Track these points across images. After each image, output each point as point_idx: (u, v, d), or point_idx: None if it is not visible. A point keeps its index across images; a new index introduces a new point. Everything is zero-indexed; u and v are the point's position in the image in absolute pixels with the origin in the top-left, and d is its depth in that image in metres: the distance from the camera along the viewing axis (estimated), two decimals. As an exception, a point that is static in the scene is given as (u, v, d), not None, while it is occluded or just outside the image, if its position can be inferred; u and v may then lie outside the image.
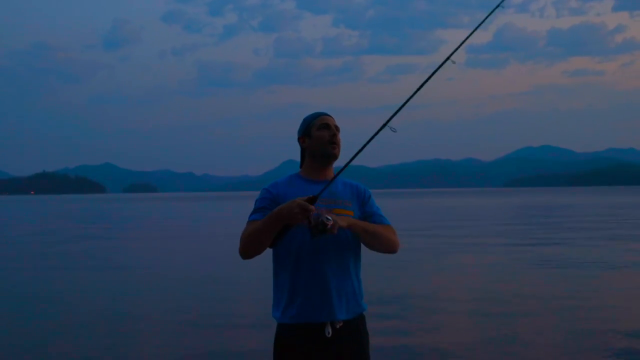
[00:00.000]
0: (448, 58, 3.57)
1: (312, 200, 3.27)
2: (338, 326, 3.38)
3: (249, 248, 3.38)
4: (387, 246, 3.53)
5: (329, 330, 3.35)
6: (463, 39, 3.65)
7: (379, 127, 3.40)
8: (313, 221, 3.22)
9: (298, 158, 3.71)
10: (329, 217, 3.22)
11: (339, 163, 3.59)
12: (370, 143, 3.37)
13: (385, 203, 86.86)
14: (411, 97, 3.50)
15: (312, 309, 3.36)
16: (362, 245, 3.53)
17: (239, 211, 59.86)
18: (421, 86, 3.51)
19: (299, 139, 3.65)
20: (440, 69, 3.55)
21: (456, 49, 3.61)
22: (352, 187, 3.64)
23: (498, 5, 3.74)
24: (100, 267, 18.14)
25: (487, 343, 8.59)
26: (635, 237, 25.30)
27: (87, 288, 14.22)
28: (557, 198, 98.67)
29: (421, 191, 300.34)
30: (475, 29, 3.63)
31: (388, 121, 3.42)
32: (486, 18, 3.66)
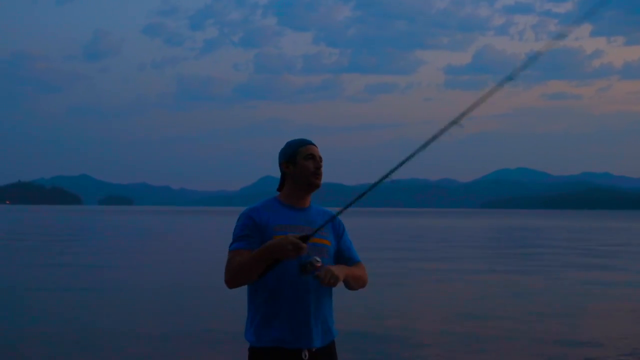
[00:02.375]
0: (455, 122, 3.61)
1: (304, 239, 3.33)
2: (314, 350, 3.48)
3: (237, 280, 3.43)
4: (362, 286, 3.71)
5: (305, 354, 3.45)
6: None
7: (377, 180, 3.50)
8: (303, 261, 3.36)
9: (275, 174, 3.78)
10: (318, 259, 3.36)
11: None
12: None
13: (359, 222, 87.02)
14: (412, 155, 3.45)
15: (292, 335, 3.44)
16: None
17: (218, 226, 59.63)
18: (425, 145, 3.51)
19: (281, 164, 3.69)
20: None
21: (463, 114, 3.64)
22: (327, 217, 3.65)
23: (509, 79, 3.41)
24: (73, 282, 18.32)
25: None
26: (591, 265, 25.74)
27: (61, 303, 14.42)
28: (531, 220, 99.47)
29: (397, 210, 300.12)
30: (478, 103, 3.57)
31: (388, 174, 3.51)
32: (493, 92, 3.46)
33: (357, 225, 69.24)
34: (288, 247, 3.28)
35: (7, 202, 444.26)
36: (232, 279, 3.44)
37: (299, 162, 3.64)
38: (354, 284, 3.62)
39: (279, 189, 3.73)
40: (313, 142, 3.74)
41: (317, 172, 3.65)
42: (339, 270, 3.44)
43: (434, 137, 3.55)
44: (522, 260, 25.25)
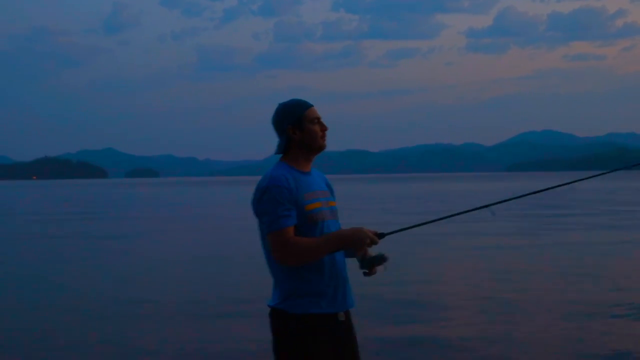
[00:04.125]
0: (486, 206, 3.85)
1: (379, 236, 3.54)
2: (348, 312, 3.65)
3: (302, 262, 3.47)
4: None
5: (342, 316, 3.60)
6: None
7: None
8: (374, 254, 3.55)
9: None
10: (387, 255, 3.55)
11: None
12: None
13: (385, 188, 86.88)
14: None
15: (334, 300, 3.56)
16: None
17: (246, 195, 59.75)
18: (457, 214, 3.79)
19: (287, 128, 3.66)
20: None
21: (495, 203, 3.85)
22: (323, 179, 3.81)
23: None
24: (103, 252, 18.53)
25: (487, 333, 8.97)
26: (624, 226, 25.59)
27: (92, 274, 14.61)
28: (557, 183, 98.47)
29: (422, 175, 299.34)
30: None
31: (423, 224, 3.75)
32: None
33: (379, 191, 69.14)
34: (366, 241, 3.45)
35: (34, 177, 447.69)
36: (294, 260, 3.46)
37: (306, 126, 3.65)
38: None
39: (282, 153, 3.70)
40: (311, 103, 3.75)
41: (324, 135, 3.70)
42: None
43: (465, 211, 3.84)
44: (553, 223, 25.11)
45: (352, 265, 3.67)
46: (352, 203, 43.37)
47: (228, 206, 46.01)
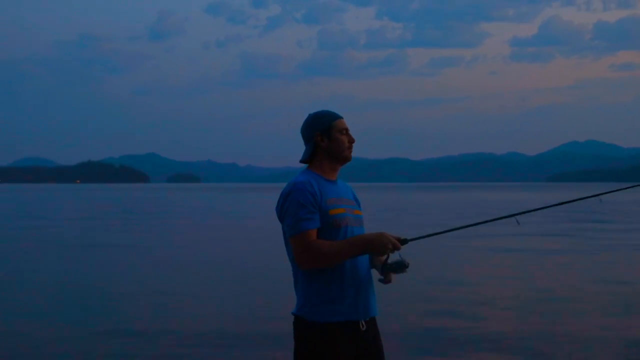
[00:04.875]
0: (512, 215, 3.94)
1: (402, 241, 3.52)
2: (369, 320, 3.60)
3: (323, 265, 3.47)
4: None
5: (363, 324, 3.56)
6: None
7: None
8: (394, 258, 3.54)
9: None
10: (408, 262, 3.55)
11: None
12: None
13: (426, 197, 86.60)
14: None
15: (355, 307, 3.53)
16: None
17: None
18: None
19: (315, 135, 3.70)
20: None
21: (519, 213, 3.94)
22: (350, 190, 3.82)
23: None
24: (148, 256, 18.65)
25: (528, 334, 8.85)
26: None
27: (135, 278, 14.67)
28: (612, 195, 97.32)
29: (464, 185, 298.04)
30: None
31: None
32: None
33: (415, 199, 68.91)
34: (388, 246, 3.45)
35: (77, 181, 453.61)
36: (316, 263, 3.48)
37: (334, 135, 3.69)
38: None
39: (307, 161, 3.75)
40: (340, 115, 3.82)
41: (350, 147, 3.74)
42: None
43: (489, 220, 3.88)
44: (596, 235, 24.78)
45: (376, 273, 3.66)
46: (383, 211, 43.24)
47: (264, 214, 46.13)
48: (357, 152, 3.83)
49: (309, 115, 3.79)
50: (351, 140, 3.74)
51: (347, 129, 3.74)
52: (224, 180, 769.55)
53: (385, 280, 3.67)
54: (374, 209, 45.02)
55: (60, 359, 7.78)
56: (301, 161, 3.77)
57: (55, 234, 26.60)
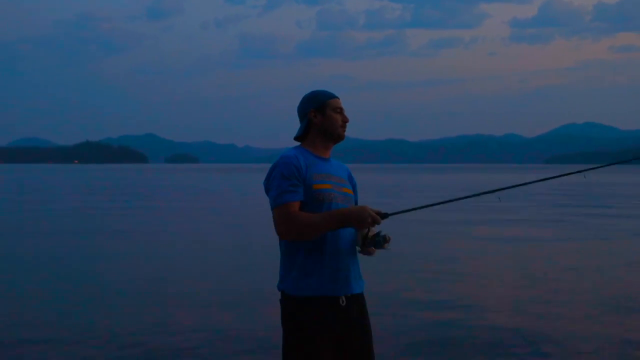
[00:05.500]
0: (492, 191, 4.03)
1: (382, 216, 3.54)
2: (349, 296, 3.61)
3: (301, 237, 3.51)
4: None
5: (343, 300, 3.58)
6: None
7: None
8: (374, 233, 3.58)
9: None
10: (389, 237, 3.58)
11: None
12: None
13: (424, 178, 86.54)
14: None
15: (331, 283, 3.55)
16: None
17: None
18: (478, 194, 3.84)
19: (309, 112, 3.76)
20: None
21: (499, 189, 3.98)
22: (345, 170, 3.87)
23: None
24: (141, 236, 18.68)
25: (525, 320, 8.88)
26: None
27: (126, 257, 14.74)
28: (599, 176, 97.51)
29: (460, 166, 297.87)
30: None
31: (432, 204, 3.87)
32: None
33: (419, 182, 68.87)
34: (367, 219, 3.47)
35: (76, 161, 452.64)
36: (296, 235, 3.52)
37: (328, 113, 3.75)
38: None
39: (300, 138, 3.81)
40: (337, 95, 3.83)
41: (344, 125, 3.78)
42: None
43: (469, 196, 3.93)
44: (591, 219, 24.83)
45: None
46: (371, 192, 43.28)
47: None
48: (354, 133, 3.89)
49: (306, 94, 3.85)
50: (345, 120, 3.79)
51: (341, 108, 3.79)
52: (222, 161, 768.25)
53: (366, 251, 3.69)
54: (370, 191, 45.01)
55: (50, 348, 7.80)
56: (295, 138, 3.83)
57: (51, 216, 26.58)
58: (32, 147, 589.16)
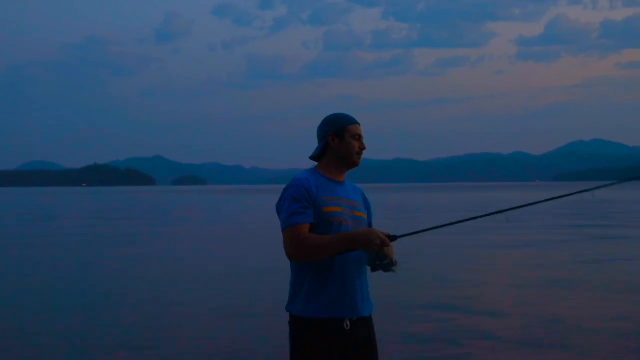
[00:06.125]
0: (501, 212, 3.98)
1: (391, 238, 3.55)
2: (355, 319, 3.60)
3: (310, 258, 3.53)
4: None
5: (347, 324, 3.57)
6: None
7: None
8: (382, 257, 3.53)
9: None
10: (396, 260, 3.57)
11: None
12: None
13: (432, 197, 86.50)
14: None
15: (338, 305, 3.56)
16: None
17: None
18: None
19: (328, 135, 3.78)
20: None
21: (508, 210, 3.94)
22: (359, 193, 3.89)
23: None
24: (150, 259, 18.66)
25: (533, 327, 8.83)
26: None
27: (134, 279, 14.70)
28: (608, 193, 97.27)
29: (469, 185, 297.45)
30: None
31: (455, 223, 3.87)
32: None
33: (425, 200, 68.80)
34: (376, 242, 3.47)
35: (84, 184, 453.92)
36: (304, 256, 3.53)
37: (346, 138, 3.76)
38: None
39: (316, 158, 3.84)
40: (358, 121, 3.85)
41: (360, 153, 3.79)
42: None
43: (478, 217, 3.92)
44: (600, 234, 24.71)
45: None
46: (384, 212, 43.20)
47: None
48: (363, 153, 3.83)
49: (328, 115, 3.87)
50: (362, 147, 3.80)
51: (360, 136, 3.81)
52: (229, 182, 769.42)
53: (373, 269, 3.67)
54: (378, 211, 44.98)
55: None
56: (311, 157, 3.86)
57: (61, 239, 26.60)
58: (41, 171, 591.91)
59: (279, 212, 3.65)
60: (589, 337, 8.43)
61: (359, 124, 3.84)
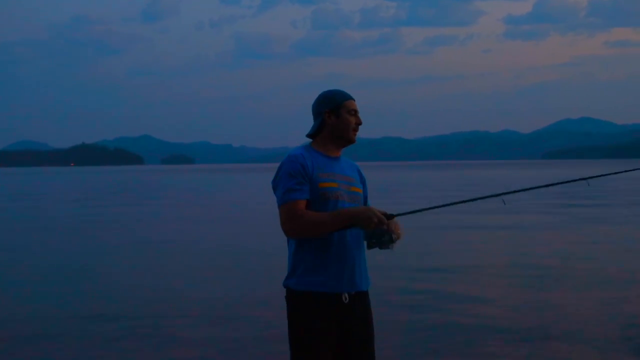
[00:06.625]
0: (498, 195, 3.96)
1: (388, 217, 3.55)
2: (353, 294, 3.65)
3: (306, 234, 3.57)
4: None
5: (346, 297, 3.62)
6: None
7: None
8: (380, 233, 3.52)
9: None
10: (396, 236, 3.56)
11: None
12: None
13: (421, 175, 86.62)
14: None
15: (336, 280, 3.60)
16: None
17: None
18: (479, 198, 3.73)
19: (324, 112, 3.77)
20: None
21: (505, 193, 3.90)
22: (355, 168, 3.90)
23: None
24: (138, 242, 18.62)
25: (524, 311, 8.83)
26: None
27: (128, 263, 14.65)
28: (595, 170, 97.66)
29: (458, 163, 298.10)
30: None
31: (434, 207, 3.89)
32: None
33: (414, 178, 68.95)
34: (374, 220, 3.48)
35: (72, 164, 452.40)
36: (301, 233, 3.57)
37: (342, 114, 3.77)
38: None
39: (313, 136, 3.83)
40: (353, 96, 3.87)
41: (356, 128, 3.82)
42: (400, 235, 3.61)
43: (476, 199, 3.96)
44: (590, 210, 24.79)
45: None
46: (375, 191, 43.29)
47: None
48: (359, 129, 3.83)
49: (322, 92, 3.87)
50: (358, 122, 3.81)
51: (356, 110, 3.81)
52: (218, 161, 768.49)
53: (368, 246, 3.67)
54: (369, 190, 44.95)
55: (51, 340, 7.72)
56: (307, 135, 3.85)
57: (49, 216, 26.53)
58: (29, 150, 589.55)
59: (274, 188, 3.67)
60: (577, 325, 8.43)
61: (354, 100, 3.83)
